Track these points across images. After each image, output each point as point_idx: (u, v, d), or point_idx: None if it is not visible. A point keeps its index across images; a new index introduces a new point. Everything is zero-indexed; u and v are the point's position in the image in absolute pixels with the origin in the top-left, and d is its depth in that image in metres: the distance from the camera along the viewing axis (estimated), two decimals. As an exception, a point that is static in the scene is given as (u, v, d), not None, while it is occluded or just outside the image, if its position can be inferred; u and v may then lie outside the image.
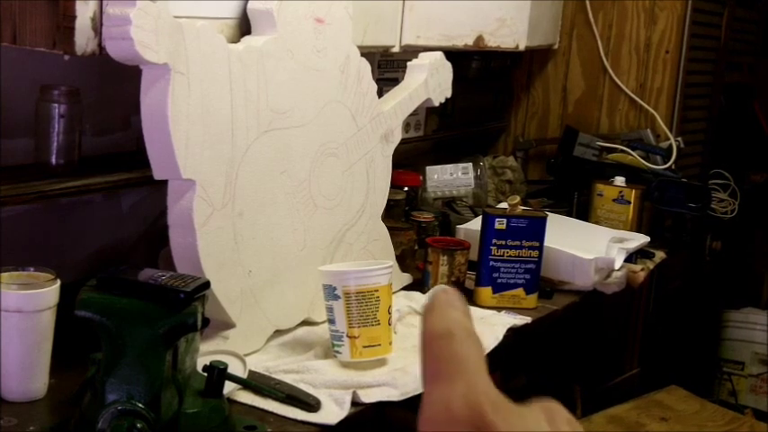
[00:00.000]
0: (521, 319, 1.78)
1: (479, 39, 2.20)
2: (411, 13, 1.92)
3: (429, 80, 1.86)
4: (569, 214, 2.42)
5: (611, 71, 2.72)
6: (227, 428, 1.20)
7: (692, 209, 2.41)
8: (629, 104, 2.72)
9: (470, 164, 2.52)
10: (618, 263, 2.04)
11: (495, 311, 1.81)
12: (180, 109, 1.31)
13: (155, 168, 1.34)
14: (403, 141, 1.88)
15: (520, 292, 1.85)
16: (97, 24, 1.23)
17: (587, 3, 2.71)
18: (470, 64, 2.67)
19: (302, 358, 1.49)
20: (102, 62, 1.28)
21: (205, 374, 1.20)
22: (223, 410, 1.20)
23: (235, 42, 1.46)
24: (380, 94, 1.82)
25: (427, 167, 2.45)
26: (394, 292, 1.59)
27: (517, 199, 1.90)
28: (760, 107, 3.39)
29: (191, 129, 1.34)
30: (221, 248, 1.41)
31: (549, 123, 2.86)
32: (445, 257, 1.82)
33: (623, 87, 2.71)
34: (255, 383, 1.35)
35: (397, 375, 1.43)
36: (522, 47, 2.40)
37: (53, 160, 1.52)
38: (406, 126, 2.38)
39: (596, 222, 2.34)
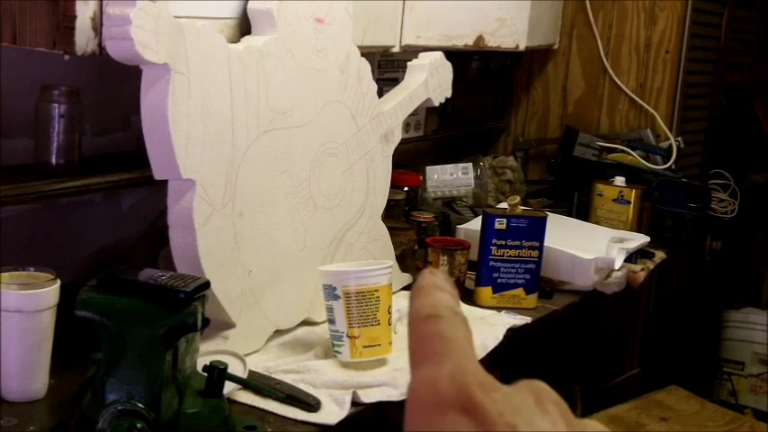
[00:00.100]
0: (521, 319, 1.78)
1: (479, 39, 2.20)
2: (411, 13, 1.92)
3: (429, 80, 1.86)
4: (569, 214, 2.42)
5: (611, 71, 2.72)
6: (227, 428, 1.20)
7: (692, 209, 2.41)
8: (629, 104, 2.72)
9: (470, 164, 2.52)
10: (618, 263, 2.04)
11: (495, 311, 1.81)
12: (180, 109, 1.31)
13: (155, 168, 1.34)
14: (403, 141, 1.88)
15: (520, 292, 1.85)
16: (97, 24, 1.23)
17: (587, 3, 2.71)
18: (470, 64, 2.67)
19: (302, 358, 1.49)
20: (103, 62, 1.28)
21: (205, 374, 1.20)
22: (223, 410, 1.20)
23: (235, 42, 1.46)
24: (380, 94, 1.82)
25: (427, 167, 2.45)
26: (394, 292, 1.59)
27: (517, 199, 1.90)
28: (760, 107, 3.39)
29: (191, 129, 1.34)
30: (221, 248, 1.41)
31: (549, 123, 2.86)
32: (445, 257, 1.82)
33: (623, 87, 2.71)
34: (255, 383, 1.35)
35: (397, 375, 1.43)
36: (522, 47, 2.40)
37: (53, 160, 1.52)
38: (406, 126, 2.38)
39: (596, 222, 2.34)
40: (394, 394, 1.39)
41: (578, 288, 1.98)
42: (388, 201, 1.85)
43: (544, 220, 1.86)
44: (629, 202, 2.33)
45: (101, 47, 1.24)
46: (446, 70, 1.92)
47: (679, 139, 2.65)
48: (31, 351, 1.26)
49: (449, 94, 1.93)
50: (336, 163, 1.67)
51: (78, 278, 1.35)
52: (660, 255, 2.31)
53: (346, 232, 1.70)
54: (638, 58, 2.70)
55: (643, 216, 2.38)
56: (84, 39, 1.22)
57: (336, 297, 1.46)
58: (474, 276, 1.87)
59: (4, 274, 1.26)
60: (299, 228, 1.58)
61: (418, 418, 0.33)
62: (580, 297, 1.98)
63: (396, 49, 1.92)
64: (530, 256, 1.85)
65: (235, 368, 1.34)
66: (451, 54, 1.96)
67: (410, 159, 2.38)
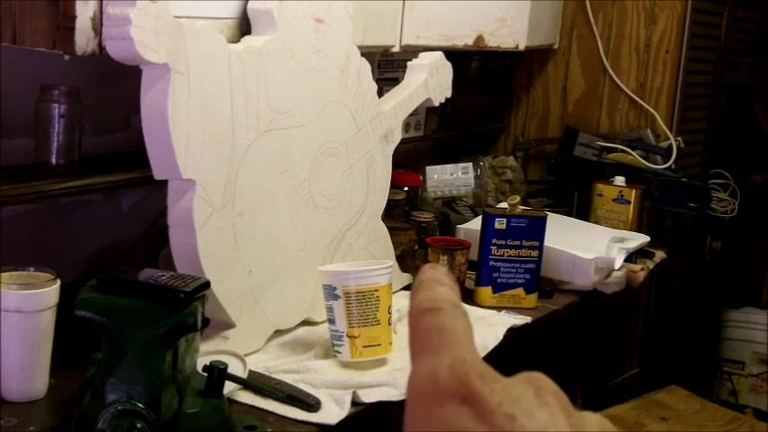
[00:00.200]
0: (521, 319, 1.78)
1: (479, 39, 2.20)
2: (411, 13, 1.92)
3: (429, 80, 1.86)
4: (569, 214, 2.42)
5: (611, 71, 2.72)
6: (227, 428, 1.20)
7: (692, 209, 2.41)
8: (629, 104, 2.72)
9: (470, 164, 2.52)
10: (618, 263, 2.04)
11: (495, 311, 1.81)
12: (180, 109, 1.31)
13: (155, 168, 1.34)
14: (403, 141, 1.88)
15: (520, 291, 1.85)
16: (97, 24, 1.23)
17: (587, 3, 2.71)
18: (470, 64, 2.67)
19: (302, 358, 1.49)
20: (103, 62, 1.28)
21: (205, 374, 1.20)
22: (223, 410, 1.20)
23: (235, 42, 1.46)
24: (380, 94, 1.82)
25: (427, 167, 2.45)
26: (394, 292, 1.59)
27: (517, 199, 1.90)
28: (760, 107, 3.39)
29: (191, 129, 1.34)
30: (221, 248, 1.41)
31: (549, 123, 2.86)
32: (445, 257, 1.82)
33: (623, 87, 2.71)
34: (255, 383, 1.35)
35: (397, 375, 1.43)
36: (522, 47, 2.40)
37: (53, 160, 1.52)
38: (406, 126, 2.38)
39: (596, 222, 2.34)
40: (394, 394, 1.39)
41: (578, 288, 1.98)
42: (389, 201, 1.85)
43: (544, 219, 1.86)
44: (629, 202, 2.33)
45: (101, 47, 1.24)
46: (446, 70, 1.92)
47: (679, 138, 2.65)
48: (31, 351, 1.26)
49: (449, 94, 1.93)
50: (336, 163, 1.67)
51: (78, 278, 1.35)
52: (660, 254, 2.31)
53: (346, 232, 1.70)
54: (638, 57, 2.70)
55: (643, 216, 2.38)
56: (84, 39, 1.22)
57: (336, 297, 1.46)
58: (474, 276, 1.87)
59: (5, 274, 1.26)
60: (299, 228, 1.58)
61: (418, 408, 0.34)
62: (580, 297, 1.98)
63: (396, 49, 1.92)
64: (530, 256, 1.85)
65: (235, 368, 1.34)
66: (451, 54, 1.96)
67: (410, 159, 2.38)
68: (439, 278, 0.38)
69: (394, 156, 1.82)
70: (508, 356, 1.70)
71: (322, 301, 1.51)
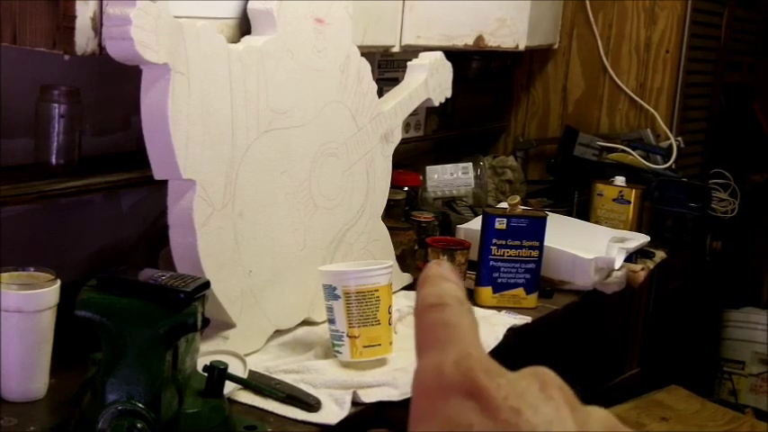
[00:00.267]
0: (521, 319, 1.78)
1: (479, 39, 2.20)
2: (411, 13, 1.92)
3: (429, 80, 1.86)
4: (569, 214, 2.42)
5: (611, 71, 2.72)
6: (227, 428, 1.20)
7: (692, 208, 2.41)
8: (630, 104, 2.72)
9: (470, 164, 2.52)
10: (618, 262, 2.04)
11: (495, 311, 1.81)
12: (180, 109, 1.31)
13: (155, 168, 1.34)
14: (403, 141, 1.88)
15: (520, 291, 1.85)
16: (97, 24, 1.23)
17: (587, 3, 2.71)
18: (470, 64, 2.67)
19: (302, 358, 1.49)
20: (103, 62, 1.28)
21: (205, 374, 1.20)
22: (223, 410, 1.20)
23: (235, 42, 1.46)
24: (380, 94, 1.82)
25: (427, 167, 2.45)
26: (394, 292, 1.59)
27: (517, 199, 1.90)
28: (760, 107, 3.39)
29: (191, 129, 1.34)
30: (221, 248, 1.41)
31: (549, 123, 2.86)
32: (445, 257, 1.82)
33: (623, 87, 2.71)
34: (256, 383, 1.35)
35: (397, 375, 1.43)
36: (522, 47, 2.40)
37: (53, 160, 1.52)
38: (406, 126, 2.38)
39: (596, 222, 2.34)
40: (394, 394, 1.39)
41: (578, 288, 1.98)
42: (389, 201, 1.85)
43: (544, 219, 1.86)
44: (630, 202, 2.33)
45: (101, 47, 1.24)
46: (446, 70, 1.92)
47: (679, 138, 2.65)
48: (31, 351, 1.26)
49: (449, 94, 1.93)
50: (336, 163, 1.67)
51: (78, 278, 1.35)
52: (660, 254, 2.31)
53: (346, 232, 1.70)
54: (638, 57, 2.70)
55: (643, 216, 2.38)
56: (84, 39, 1.22)
57: (336, 297, 1.46)
58: (474, 276, 1.87)
59: (5, 275, 1.26)
60: (299, 228, 1.58)
61: (423, 403, 0.34)
62: (580, 297, 1.98)
63: (396, 49, 1.92)
64: (530, 256, 1.85)
65: (235, 368, 1.34)
66: (451, 54, 1.96)
67: (410, 159, 2.38)
68: (444, 274, 0.38)
69: (394, 156, 1.82)
70: (508, 356, 1.70)
71: (322, 301, 1.51)
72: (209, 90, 1.37)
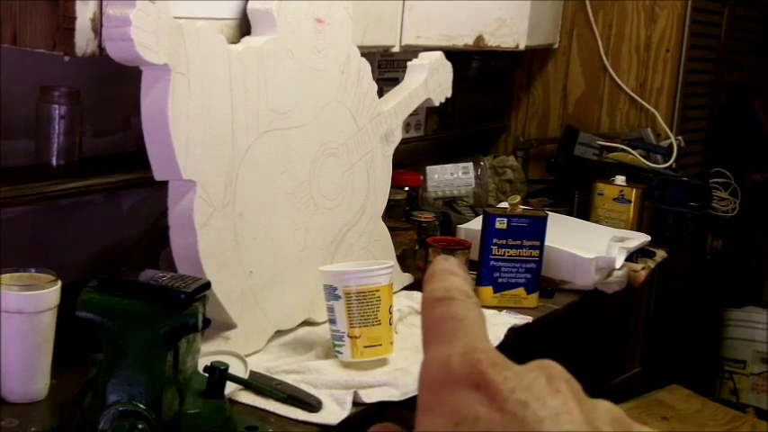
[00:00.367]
0: (521, 319, 1.78)
1: (479, 39, 2.20)
2: (411, 13, 1.92)
3: (429, 80, 1.86)
4: (570, 214, 2.42)
5: (611, 70, 2.72)
6: (228, 429, 1.20)
7: (692, 208, 2.41)
8: (630, 104, 2.72)
9: (471, 163, 2.53)
10: (619, 262, 2.04)
11: (495, 311, 1.81)
12: (180, 109, 1.31)
13: (155, 169, 1.34)
14: (403, 141, 1.88)
15: (521, 291, 1.85)
16: (97, 25, 1.23)
17: (587, 2, 2.71)
18: (470, 64, 2.67)
19: (303, 358, 1.49)
20: (103, 63, 1.28)
21: (206, 375, 1.20)
22: (224, 411, 1.20)
23: (235, 42, 1.46)
24: (380, 94, 1.82)
25: (428, 167, 2.45)
26: (395, 292, 1.59)
27: (518, 198, 1.90)
28: (760, 106, 3.39)
29: (191, 129, 1.34)
30: (222, 249, 1.41)
31: (549, 123, 2.86)
32: (446, 257, 1.82)
33: (623, 87, 2.71)
34: (256, 384, 1.35)
35: (398, 375, 1.43)
36: (522, 47, 2.40)
37: (53, 161, 1.52)
38: (407, 126, 2.38)
39: (597, 222, 2.34)
40: (395, 394, 1.39)
41: (579, 287, 1.98)
42: (389, 201, 1.85)
43: (545, 219, 1.86)
44: (630, 202, 2.33)
45: (101, 48, 1.24)
46: (446, 70, 1.92)
47: (679, 138, 2.65)
48: (32, 352, 1.26)
49: (449, 93, 1.93)
50: (337, 163, 1.67)
51: (79, 279, 1.35)
52: (661, 254, 2.31)
53: (347, 232, 1.70)
54: (638, 57, 2.70)
55: (644, 215, 2.38)
56: (84, 40, 1.22)
57: (337, 297, 1.46)
58: (475, 276, 1.87)
59: (5, 276, 1.26)
60: (299, 228, 1.58)
61: (430, 396, 0.34)
62: (581, 296, 1.98)
63: (396, 49, 1.92)
64: (530, 256, 1.85)
65: (236, 368, 1.34)
66: (451, 54, 1.96)
67: (410, 159, 2.38)
68: (451, 268, 0.38)
69: (394, 156, 1.82)
70: (509, 356, 1.70)
71: (323, 302, 1.51)
72: (209, 90, 1.37)
